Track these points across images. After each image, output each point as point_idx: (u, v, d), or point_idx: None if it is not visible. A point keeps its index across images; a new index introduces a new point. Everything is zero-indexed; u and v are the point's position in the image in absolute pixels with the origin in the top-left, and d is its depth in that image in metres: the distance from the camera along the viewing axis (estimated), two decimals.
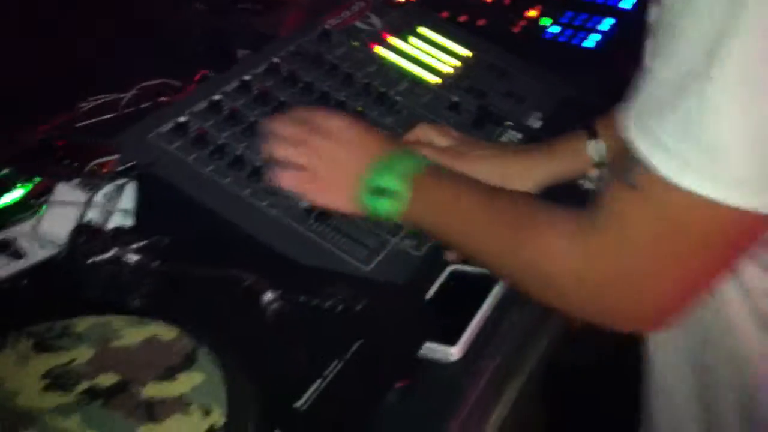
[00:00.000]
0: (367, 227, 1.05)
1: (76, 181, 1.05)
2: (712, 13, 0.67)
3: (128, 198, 1.04)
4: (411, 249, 1.06)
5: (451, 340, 0.93)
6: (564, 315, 0.95)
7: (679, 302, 0.80)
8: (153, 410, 0.76)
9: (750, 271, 0.84)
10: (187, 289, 0.93)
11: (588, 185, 1.12)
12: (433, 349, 0.92)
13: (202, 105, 1.15)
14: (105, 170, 1.07)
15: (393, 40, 1.39)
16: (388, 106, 1.26)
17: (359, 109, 1.23)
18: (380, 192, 0.95)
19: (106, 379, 0.80)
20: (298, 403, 0.81)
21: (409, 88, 1.31)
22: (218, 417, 0.76)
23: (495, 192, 0.93)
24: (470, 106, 1.31)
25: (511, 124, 1.28)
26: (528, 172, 1.10)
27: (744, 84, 0.67)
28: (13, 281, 0.98)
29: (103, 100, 1.27)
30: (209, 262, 0.94)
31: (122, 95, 1.27)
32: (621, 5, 1.58)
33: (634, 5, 1.57)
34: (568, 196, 1.10)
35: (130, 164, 1.06)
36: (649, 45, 0.75)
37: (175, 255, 0.95)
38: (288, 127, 1.02)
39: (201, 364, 0.81)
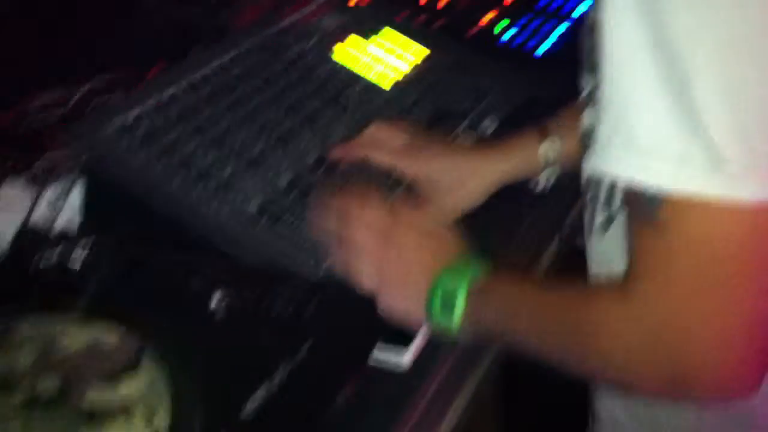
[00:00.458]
0: None
1: (21, 180, 1.03)
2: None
3: (75, 197, 1.02)
4: None
5: (404, 342, 0.92)
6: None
7: (756, 334, 0.67)
8: (95, 415, 0.75)
9: None
10: (133, 290, 0.92)
11: (540, 185, 1.13)
12: (385, 350, 0.91)
13: (153, 101, 1.12)
14: (52, 168, 1.05)
15: (351, 39, 1.38)
16: (344, 104, 1.25)
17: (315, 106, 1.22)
18: (446, 305, 0.87)
19: (48, 384, 0.78)
20: (244, 409, 0.79)
21: (367, 87, 1.30)
22: (162, 422, 0.75)
23: (548, 299, 0.82)
24: (427, 105, 1.30)
25: (467, 123, 1.28)
26: (481, 171, 1.09)
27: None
28: None
29: (53, 95, 1.24)
30: (157, 263, 0.92)
31: (74, 89, 1.24)
32: (574, 15, 1.58)
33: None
34: (519, 196, 1.11)
35: (77, 162, 1.04)
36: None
37: (122, 255, 0.93)
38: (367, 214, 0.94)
39: (145, 367, 0.80)
